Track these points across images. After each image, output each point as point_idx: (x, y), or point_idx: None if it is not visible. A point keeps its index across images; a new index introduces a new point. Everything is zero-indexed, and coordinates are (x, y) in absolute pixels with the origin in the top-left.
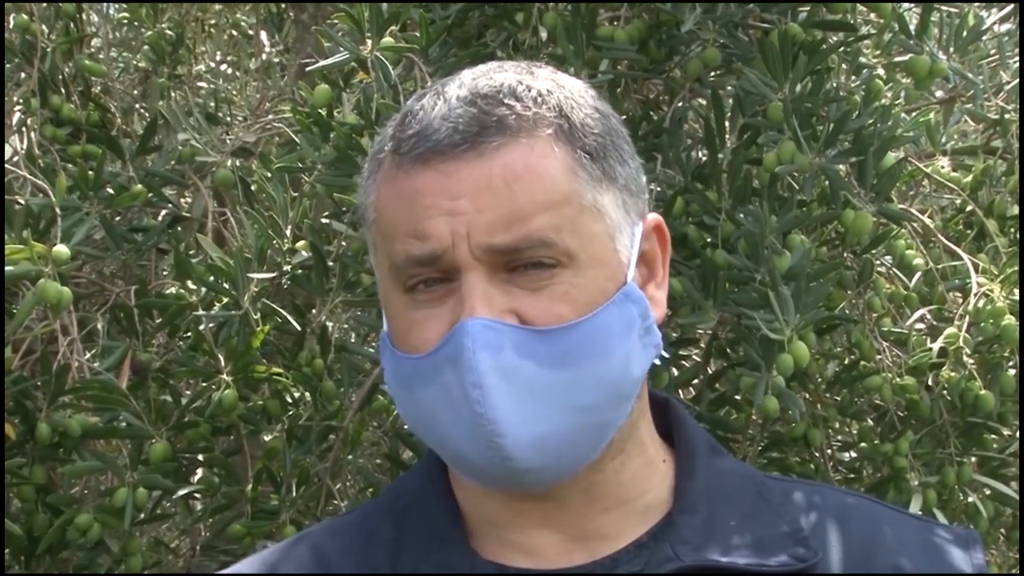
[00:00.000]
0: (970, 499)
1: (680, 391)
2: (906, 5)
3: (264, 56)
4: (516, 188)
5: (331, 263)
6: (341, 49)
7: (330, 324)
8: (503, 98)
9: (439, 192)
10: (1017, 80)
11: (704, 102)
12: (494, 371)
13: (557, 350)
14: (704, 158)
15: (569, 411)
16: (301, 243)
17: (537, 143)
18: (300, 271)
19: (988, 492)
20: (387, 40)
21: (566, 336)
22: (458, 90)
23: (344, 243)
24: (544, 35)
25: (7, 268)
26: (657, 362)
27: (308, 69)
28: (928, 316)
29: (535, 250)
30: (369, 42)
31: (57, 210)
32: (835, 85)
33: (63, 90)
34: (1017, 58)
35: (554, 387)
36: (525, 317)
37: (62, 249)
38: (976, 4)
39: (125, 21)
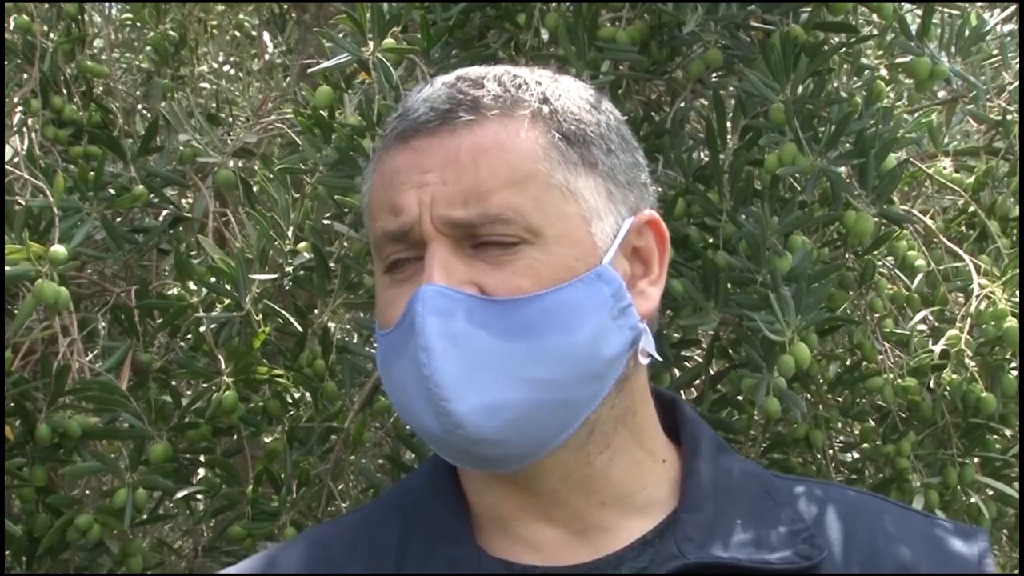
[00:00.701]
0: (972, 500)
1: (683, 392)
2: (907, 6)
3: (267, 57)
4: (481, 163)
5: (332, 264)
6: (342, 50)
7: (332, 325)
8: (485, 82)
9: (412, 167)
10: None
11: (706, 103)
12: (441, 336)
13: (513, 321)
14: (706, 159)
15: (524, 383)
16: (303, 244)
17: (510, 123)
18: (302, 272)
19: (991, 493)
20: (388, 41)
21: (523, 308)
22: (447, 77)
23: (346, 244)
24: (546, 36)
25: (6, 268)
26: (644, 358)
27: (310, 71)
28: (930, 317)
29: (493, 227)
30: (371, 43)
31: (55, 210)
32: (836, 86)
33: (65, 91)
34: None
35: (508, 358)
36: (485, 289)
37: (59, 249)
38: (978, 5)
39: (128, 22)
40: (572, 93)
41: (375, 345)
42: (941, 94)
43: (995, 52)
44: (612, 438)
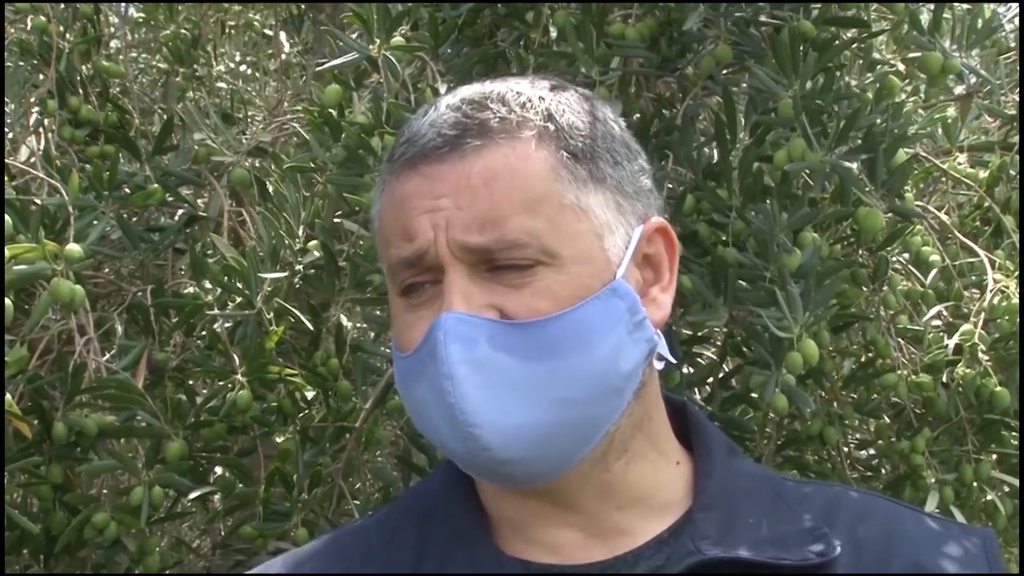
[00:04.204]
0: (988, 497)
1: (696, 390)
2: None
3: (283, 57)
4: (494, 187)
5: (342, 263)
6: (351, 49)
7: (347, 324)
8: (489, 103)
9: (423, 193)
10: None
11: (716, 100)
12: (465, 363)
13: (534, 343)
14: (716, 156)
15: (547, 403)
16: (313, 242)
17: (518, 144)
18: (312, 270)
19: (1007, 489)
20: (397, 40)
21: (543, 329)
22: (450, 99)
23: (360, 243)
24: (555, 34)
25: (21, 267)
26: (658, 363)
27: (318, 69)
28: (945, 313)
29: (509, 251)
30: (378, 41)
31: (71, 209)
32: (847, 82)
33: (81, 91)
34: None
35: (531, 379)
36: (506, 312)
37: (75, 247)
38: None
39: (141, 20)
40: (576, 105)
41: (388, 344)
42: (958, 90)
43: (1012, 47)
44: (630, 444)
